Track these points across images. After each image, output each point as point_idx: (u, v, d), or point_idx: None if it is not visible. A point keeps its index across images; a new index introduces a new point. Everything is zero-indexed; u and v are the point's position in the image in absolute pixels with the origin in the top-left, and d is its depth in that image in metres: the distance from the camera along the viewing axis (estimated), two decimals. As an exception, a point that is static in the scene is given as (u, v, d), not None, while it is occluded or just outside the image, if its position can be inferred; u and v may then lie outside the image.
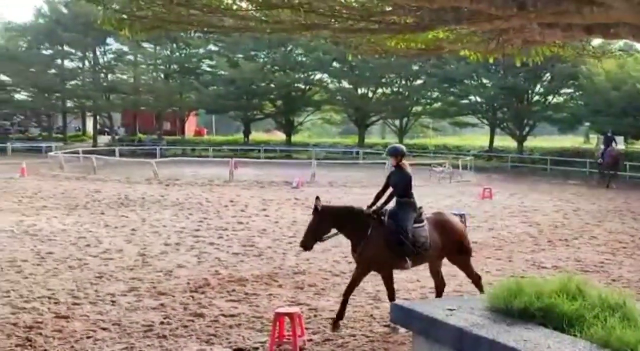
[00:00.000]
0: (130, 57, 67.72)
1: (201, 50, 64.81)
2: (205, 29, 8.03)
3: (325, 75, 62.66)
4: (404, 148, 10.30)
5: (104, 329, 9.33)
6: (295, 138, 65.14)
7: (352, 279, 9.78)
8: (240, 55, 60.95)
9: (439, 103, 59.49)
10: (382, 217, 9.57)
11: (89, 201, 24.16)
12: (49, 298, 10.93)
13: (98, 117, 70.07)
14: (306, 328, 9.03)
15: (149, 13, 6.65)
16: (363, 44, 9.01)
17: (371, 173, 38.08)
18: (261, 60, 62.84)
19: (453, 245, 9.87)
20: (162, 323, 9.66)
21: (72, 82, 67.95)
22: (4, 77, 68.16)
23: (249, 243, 16.18)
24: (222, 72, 62.39)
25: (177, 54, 65.90)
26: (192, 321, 9.75)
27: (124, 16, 6.48)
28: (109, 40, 63.82)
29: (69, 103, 69.01)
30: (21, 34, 68.39)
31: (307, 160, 42.61)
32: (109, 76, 68.25)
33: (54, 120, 74.45)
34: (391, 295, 9.69)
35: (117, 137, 66.93)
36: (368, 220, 9.54)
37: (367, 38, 8.29)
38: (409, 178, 9.79)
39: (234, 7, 6.53)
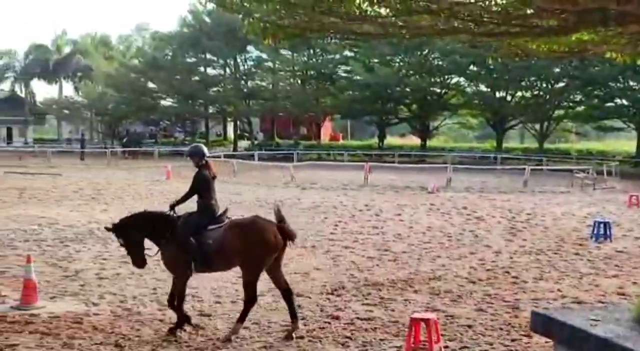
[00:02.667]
0: (269, 64, 69.43)
1: (337, 56, 65.49)
2: (345, 36, 8.14)
3: (462, 79, 61.83)
4: (202, 148, 9.99)
5: (244, 328, 9.58)
6: (430, 142, 64.61)
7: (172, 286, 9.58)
8: (376, 60, 61.22)
9: (582, 107, 57.28)
10: (178, 221, 9.34)
11: (229, 203, 24.89)
12: (193, 296, 11.34)
13: (238, 122, 72.28)
14: (442, 335, 8.95)
15: (291, 21, 6.85)
16: (503, 47, 8.84)
17: (510, 178, 37.24)
18: (397, 64, 62.77)
19: (249, 251, 9.09)
20: (297, 324, 9.84)
21: (214, 89, 70.42)
22: (151, 85, 71.73)
23: (384, 247, 16.18)
24: (358, 77, 62.83)
25: (314, 60, 66.93)
26: (329, 323, 9.86)
27: (268, 25, 6.70)
28: (249, 47, 65.72)
29: (211, 109, 71.52)
30: (167, 43, 71.71)
31: (442, 165, 42.14)
32: (249, 83, 70.22)
33: (197, 126, 77.54)
34: (178, 301, 9.37)
35: (256, 142, 68.74)
36: (167, 224, 9.34)
37: (507, 41, 8.14)
38: (204, 179, 9.51)
39: (374, 14, 6.60)
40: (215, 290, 11.80)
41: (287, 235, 9.33)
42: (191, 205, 9.64)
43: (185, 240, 9.13)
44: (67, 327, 9.51)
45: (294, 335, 9.12)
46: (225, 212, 9.61)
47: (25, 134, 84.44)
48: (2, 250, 15.05)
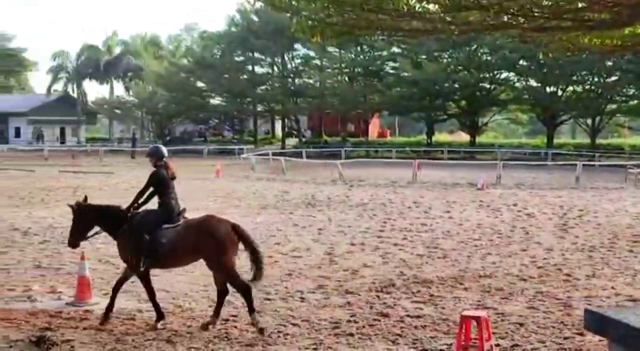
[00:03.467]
0: (317, 62, 69.50)
1: (384, 53, 65.22)
2: (393, 33, 8.10)
3: (512, 74, 61.06)
4: (162, 149, 10.22)
5: (293, 324, 9.64)
6: (479, 139, 63.94)
7: (120, 276, 9.99)
8: (424, 56, 60.82)
9: (635, 101, 56.01)
10: (135, 217, 9.64)
11: (278, 201, 25.05)
12: (243, 292, 11.46)
13: (286, 120, 72.49)
14: (493, 333, 8.85)
15: (339, 19, 6.83)
16: (554, 42, 8.68)
17: (561, 175, 36.67)
18: (445, 60, 62.30)
19: (208, 249, 9.39)
20: (349, 321, 9.82)
21: (262, 87, 70.75)
22: (200, 84, 72.44)
23: (433, 244, 16.07)
24: (405, 74, 62.45)
25: (361, 57, 66.71)
26: (378, 320, 9.84)
27: (316, 23, 6.70)
28: (297, 45, 65.85)
29: (259, 107, 71.93)
30: (215, 42, 72.30)
31: (492, 161, 41.67)
32: (296, 80, 70.35)
33: (245, 124, 78.06)
34: (150, 296, 9.72)
35: (304, 139, 68.81)
36: (123, 220, 9.63)
37: (558, 36, 7.98)
38: (161, 179, 9.72)
39: (422, 10, 6.55)
40: (264, 287, 11.86)
41: (240, 235, 9.55)
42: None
43: (138, 237, 9.38)
44: (121, 323, 9.68)
45: (210, 327, 9.40)
46: (182, 211, 9.83)
47: (77, 134, 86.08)
48: (57, 248, 15.38)
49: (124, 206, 9.89)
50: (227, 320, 9.85)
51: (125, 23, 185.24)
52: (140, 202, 9.80)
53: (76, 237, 10.00)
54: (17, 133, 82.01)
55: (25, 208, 22.59)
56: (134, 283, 12.13)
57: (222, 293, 9.74)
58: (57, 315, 10.06)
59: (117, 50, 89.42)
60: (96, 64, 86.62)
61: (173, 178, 9.90)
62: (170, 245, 9.40)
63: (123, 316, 10.04)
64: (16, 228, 18.24)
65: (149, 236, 9.35)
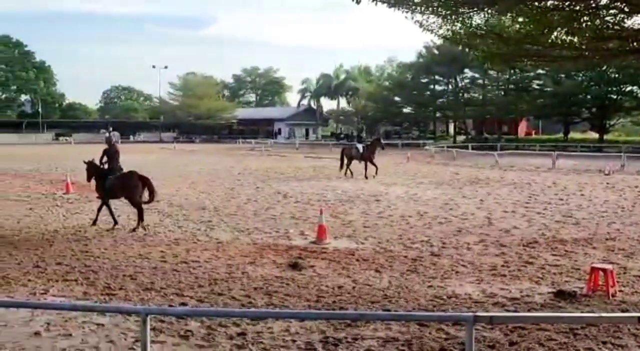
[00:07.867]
0: (480, 81, 66.67)
1: (531, 73, 60.85)
2: (544, 60, 7.56)
3: (635, 87, 54.25)
4: (111, 138, 13.05)
5: (463, 266, 9.42)
6: (607, 137, 57.75)
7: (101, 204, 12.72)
8: (562, 75, 55.94)
9: None
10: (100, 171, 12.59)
11: (451, 179, 24.45)
12: (426, 242, 11.34)
13: (457, 122, 70.42)
14: (617, 282, 8.07)
15: (505, 50, 6.51)
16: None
17: (675, 164, 32.17)
18: (579, 78, 56.83)
19: (125, 189, 12.22)
20: (502, 265, 9.42)
21: (440, 100, 69.27)
22: (397, 98, 72.27)
23: (568, 214, 14.84)
24: (548, 89, 57.97)
25: (514, 77, 62.96)
26: (525, 266, 9.34)
27: (488, 54, 6.45)
28: (466, 70, 63.63)
29: (437, 114, 70.52)
30: (408, 69, 71.68)
31: (617, 154, 37.48)
32: (465, 95, 68.08)
33: (427, 125, 76.82)
34: (109, 210, 12.51)
35: (469, 136, 66.52)
36: (100, 172, 12.58)
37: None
38: (111, 152, 12.61)
39: (569, 41, 6.03)
40: (441, 238, 11.68)
41: (146, 183, 12.36)
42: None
43: (101, 182, 12.49)
44: (345, 257, 10.01)
45: (137, 231, 11.92)
46: (120, 169, 12.60)
47: (316, 132, 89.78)
48: (304, 206, 16.20)
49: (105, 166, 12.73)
50: (415, 259, 9.83)
51: (348, 58, 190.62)
52: (98, 163, 12.70)
53: (89, 178, 12.95)
54: (279, 132, 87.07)
55: (285, 180, 23.99)
56: (354, 232, 12.48)
57: (140, 210, 12.27)
58: (305, 249, 10.61)
59: (342, 76, 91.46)
60: (328, 86, 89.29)
61: (117, 152, 12.66)
62: (112, 186, 12.28)
63: (346, 252, 10.39)
64: (279, 192, 19.43)
65: (104, 182, 12.35)
